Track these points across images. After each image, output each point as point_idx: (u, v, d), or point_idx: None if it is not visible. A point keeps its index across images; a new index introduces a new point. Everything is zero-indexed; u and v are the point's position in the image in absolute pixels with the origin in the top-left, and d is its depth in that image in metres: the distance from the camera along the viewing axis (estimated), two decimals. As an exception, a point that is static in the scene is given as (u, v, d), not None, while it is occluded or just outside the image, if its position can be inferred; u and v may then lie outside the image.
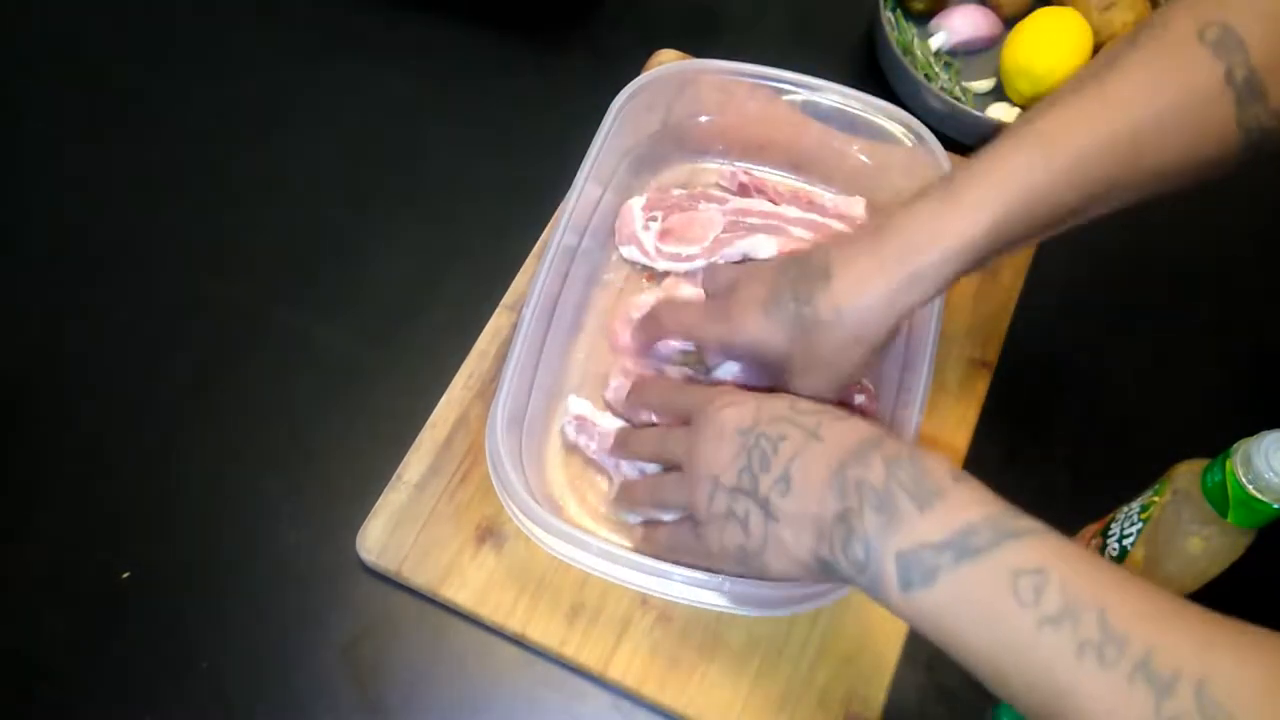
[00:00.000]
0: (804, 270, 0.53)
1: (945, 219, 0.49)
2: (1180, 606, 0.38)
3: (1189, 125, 0.49)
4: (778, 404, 0.51)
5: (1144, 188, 0.51)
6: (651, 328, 0.63)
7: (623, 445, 0.61)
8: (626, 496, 0.59)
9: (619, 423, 0.63)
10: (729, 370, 0.62)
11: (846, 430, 0.48)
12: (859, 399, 0.64)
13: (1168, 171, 0.50)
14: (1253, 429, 0.48)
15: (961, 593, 0.40)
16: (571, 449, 0.64)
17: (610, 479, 0.62)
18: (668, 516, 0.57)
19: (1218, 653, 0.36)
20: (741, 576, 0.53)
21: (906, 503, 0.42)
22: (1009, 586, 0.39)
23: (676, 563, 0.54)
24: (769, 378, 0.57)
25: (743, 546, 0.49)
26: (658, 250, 0.70)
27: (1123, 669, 0.36)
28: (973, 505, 0.42)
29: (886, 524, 0.42)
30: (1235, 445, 0.48)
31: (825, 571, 0.46)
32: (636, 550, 0.57)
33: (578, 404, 0.64)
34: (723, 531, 0.49)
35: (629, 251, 0.70)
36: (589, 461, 0.63)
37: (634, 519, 0.60)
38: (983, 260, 0.49)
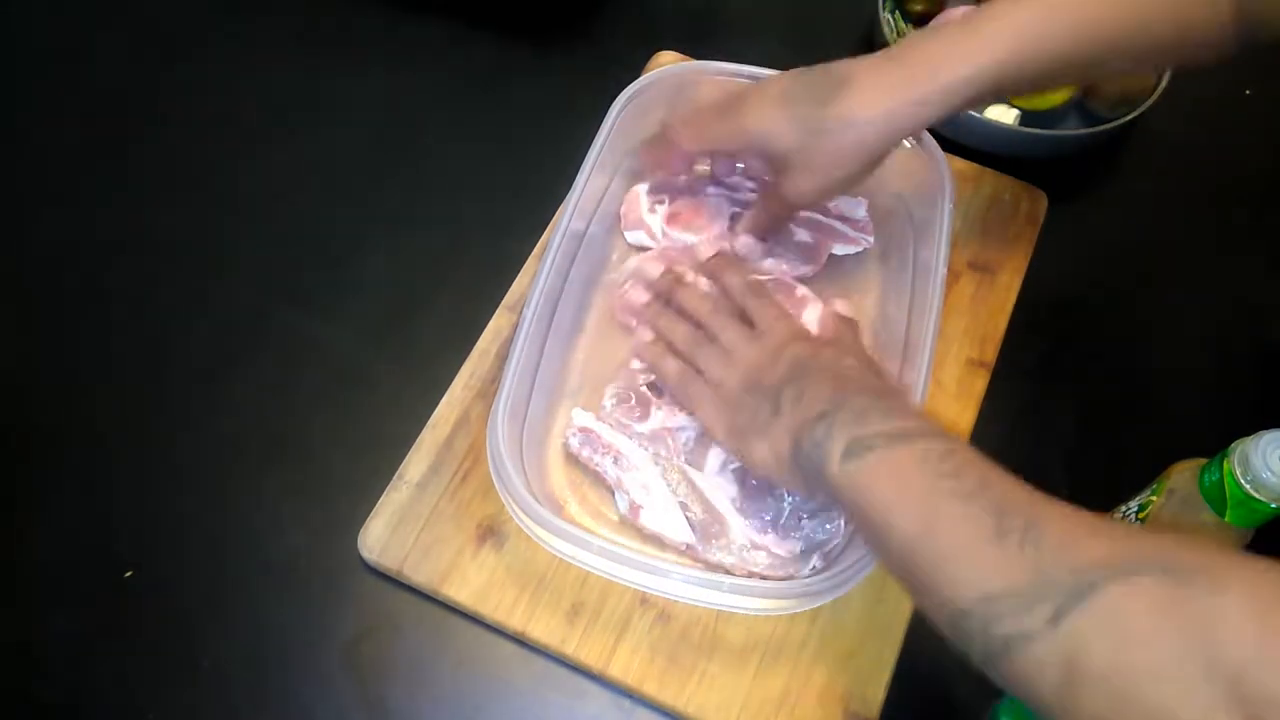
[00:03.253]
0: (823, 77, 0.57)
1: (954, 56, 0.55)
2: (1055, 500, 0.44)
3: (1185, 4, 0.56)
4: (829, 353, 0.57)
5: (1143, 56, 0.60)
6: (660, 146, 0.65)
7: (655, 321, 0.65)
8: (663, 327, 0.64)
9: (622, 436, 0.63)
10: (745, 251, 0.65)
11: (864, 380, 0.54)
12: None
13: (1165, 45, 0.57)
14: (1250, 429, 0.48)
15: (885, 462, 0.47)
16: (574, 460, 0.64)
17: (614, 492, 0.62)
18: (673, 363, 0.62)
19: (1051, 506, 0.43)
20: (719, 444, 0.60)
21: (874, 415, 0.50)
22: (921, 458, 0.47)
23: (661, 383, 0.63)
24: (765, 172, 0.62)
25: (743, 426, 0.56)
26: (665, 234, 0.70)
27: (980, 502, 0.43)
28: (919, 422, 0.50)
29: (850, 421, 0.50)
30: (1233, 445, 0.48)
31: (791, 455, 0.53)
32: (638, 353, 0.64)
33: (581, 416, 0.64)
34: (737, 408, 0.57)
35: (635, 236, 0.70)
36: (592, 474, 0.63)
37: (646, 334, 0.64)
38: (985, 97, 0.56)
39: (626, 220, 0.71)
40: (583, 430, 0.63)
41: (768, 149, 0.59)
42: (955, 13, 0.82)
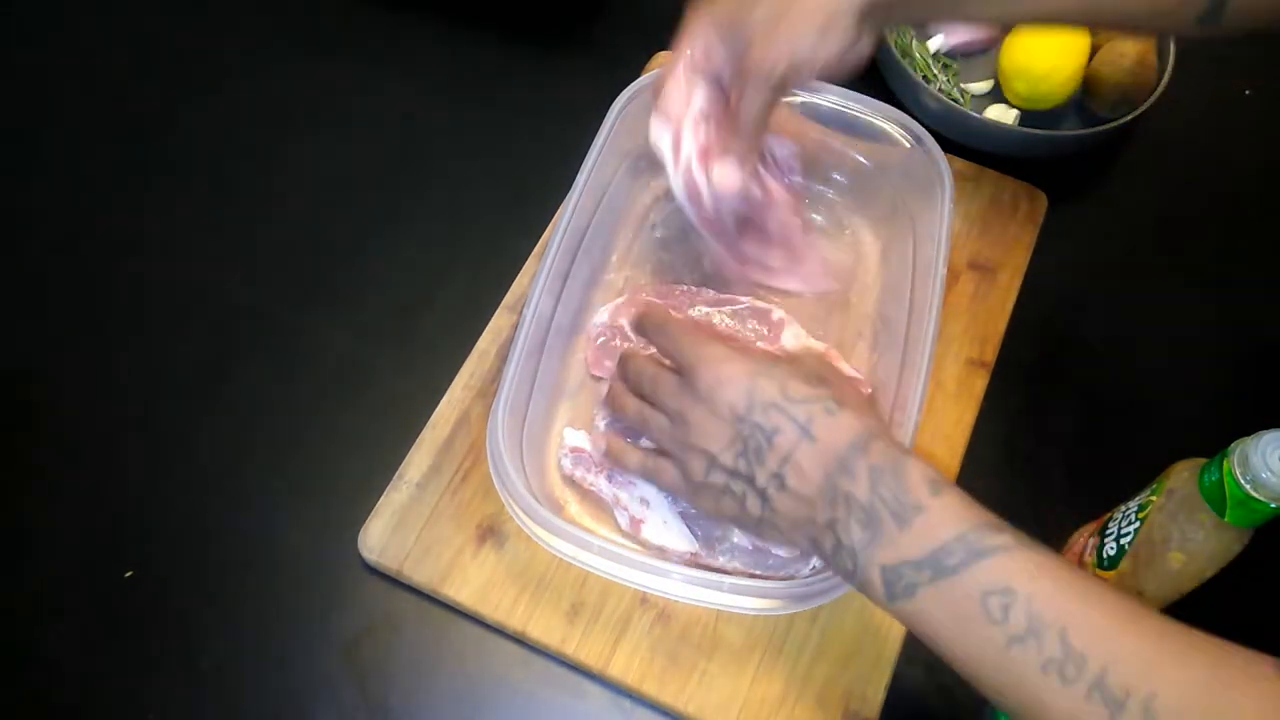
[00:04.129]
0: None
1: None
2: (1137, 618, 0.40)
3: None
4: (770, 387, 0.49)
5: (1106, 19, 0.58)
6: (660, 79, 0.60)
7: (611, 400, 0.60)
8: (615, 405, 0.59)
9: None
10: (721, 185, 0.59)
11: (836, 428, 0.48)
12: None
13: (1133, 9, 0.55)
14: (1250, 429, 0.48)
15: (940, 606, 0.43)
16: (569, 481, 0.63)
17: (613, 511, 0.62)
18: (643, 443, 0.59)
19: (1165, 668, 0.39)
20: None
21: (889, 519, 0.45)
22: (979, 605, 0.41)
23: (641, 474, 0.57)
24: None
25: (739, 518, 0.52)
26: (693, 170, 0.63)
27: (1080, 687, 0.39)
28: (949, 522, 0.44)
29: (870, 540, 0.45)
30: (1233, 445, 0.48)
31: (823, 554, 0.48)
32: (601, 452, 0.61)
33: (573, 435, 0.64)
34: (719, 500, 0.52)
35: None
36: (588, 494, 0.63)
37: (602, 423, 0.63)
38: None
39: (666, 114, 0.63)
40: (574, 450, 0.63)
41: (730, 30, 0.55)
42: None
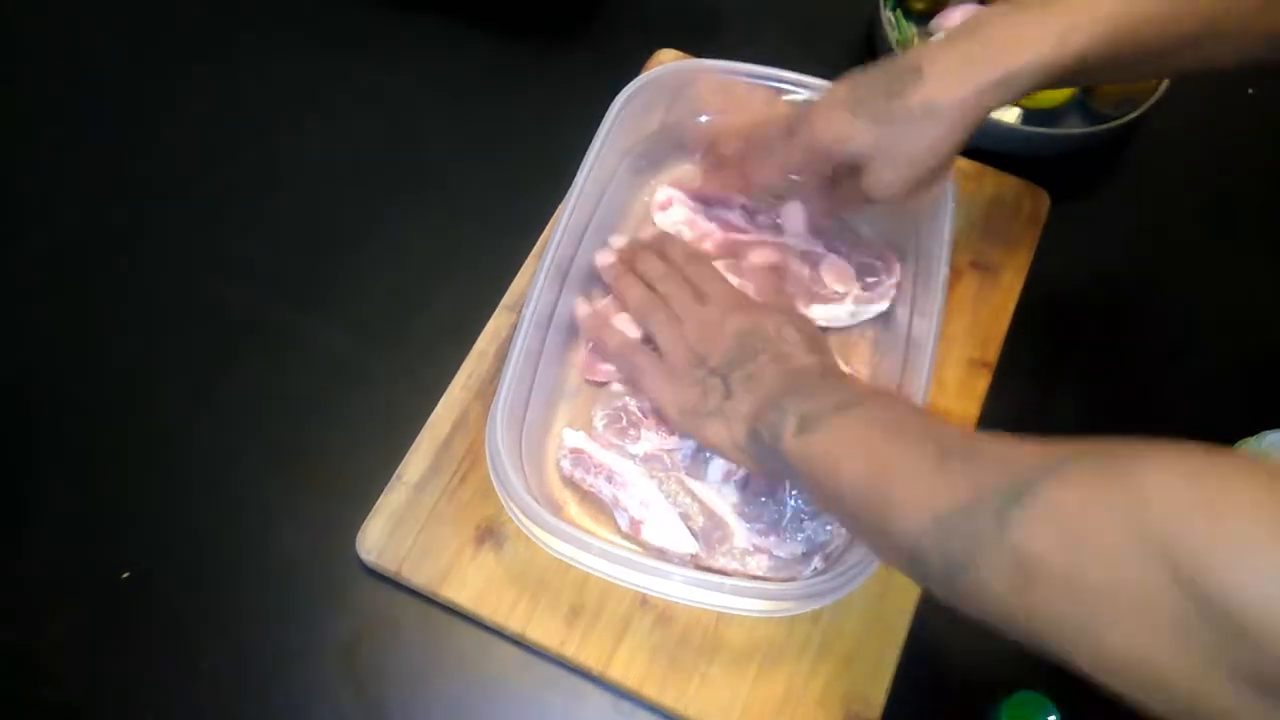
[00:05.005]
0: (889, 70, 0.56)
1: (1044, 30, 0.52)
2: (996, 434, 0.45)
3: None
4: (770, 325, 0.59)
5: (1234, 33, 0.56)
6: (724, 175, 0.67)
7: (614, 279, 0.66)
8: (617, 285, 0.66)
9: (613, 454, 0.63)
10: (795, 221, 0.66)
11: (806, 362, 0.57)
12: (885, 280, 0.69)
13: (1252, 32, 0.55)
14: (1252, 429, 0.48)
15: (836, 427, 0.49)
16: (568, 482, 0.63)
17: (613, 512, 0.62)
18: (631, 332, 0.64)
19: (992, 436, 0.44)
20: (665, 423, 0.62)
21: (822, 391, 0.53)
22: (869, 418, 0.49)
23: (606, 352, 0.64)
24: (840, 179, 0.61)
25: (695, 407, 0.58)
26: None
27: (924, 441, 0.45)
28: (865, 391, 0.53)
29: (801, 400, 0.52)
30: (1236, 445, 0.48)
31: (748, 439, 0.54)
32: (582, 327, 0.66)
33: (572, 436, 0.63)
34: (683, 389, 0.59)
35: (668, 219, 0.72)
36: (587, 495, 0.63)
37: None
38: (1066, 78, 0.53)
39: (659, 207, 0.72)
40: (574, 451, 0.63)
41: (845, 154, 0.57)
42: (955, 12, 0.82)
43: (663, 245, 0.67)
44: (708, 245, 0.70)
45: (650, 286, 0.65)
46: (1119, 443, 0.39)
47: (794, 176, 0.63)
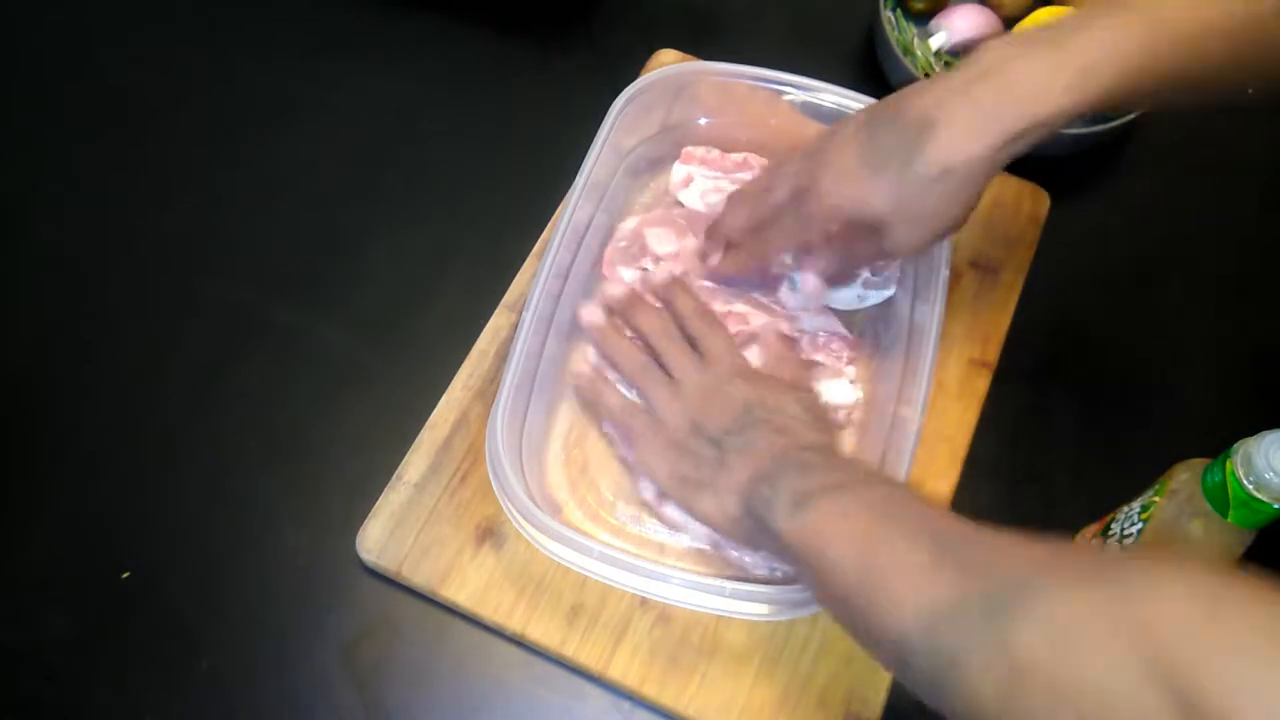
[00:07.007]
0: (897, 124, 0.54)
1: (1062, 78, 0.50)
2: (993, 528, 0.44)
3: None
4: (771, 399, 0.58)
5: (1241, 80, 0.57)
6: (740, 256, 0.65)
7: (605, 340, 0.64)
8: (609, 346, 0.64)
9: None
10: (808, 295, 0.64)
11: (808, 439, 0.55)
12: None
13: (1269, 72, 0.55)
14: (1253, 429, 0.48)
15: (829, 511, 0.48)
16: (574, 463, 0.63)
17: (638, 481, 0.62)
18: (629, 394, 0.63)
19: (988, 531, 0.43)
20: (660, 487, 0.59)
21: (817, 470, 0.52)
22: (863, 502, 0.48)
23: (602, 417, 0.63)
24: (857, 240, 0.58)
25: (687, 475, 0.57)
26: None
27: (918, 534, 0.44)
28: (861, 473, 0.52)
29: (795, 477, 0.51)
30: (1235, 445, 0.48)
31: (739, 513, 0.53)
32: (574, 382, 0.65)
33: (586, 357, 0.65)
34: (679, 458, 0.57)
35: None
36: (586, 496, 0.63)
37: (581, 365, 0.65)
38: (1085, 117, 0.54)
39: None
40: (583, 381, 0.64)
41: (861, 218, 0.56)
42: (955, 12, 0.82)
43: (672, 294, 0.65)
44: (716, 306, 0.67)
45: (646, 341, 0.63)
46: (1124, 556, 0.39)
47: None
